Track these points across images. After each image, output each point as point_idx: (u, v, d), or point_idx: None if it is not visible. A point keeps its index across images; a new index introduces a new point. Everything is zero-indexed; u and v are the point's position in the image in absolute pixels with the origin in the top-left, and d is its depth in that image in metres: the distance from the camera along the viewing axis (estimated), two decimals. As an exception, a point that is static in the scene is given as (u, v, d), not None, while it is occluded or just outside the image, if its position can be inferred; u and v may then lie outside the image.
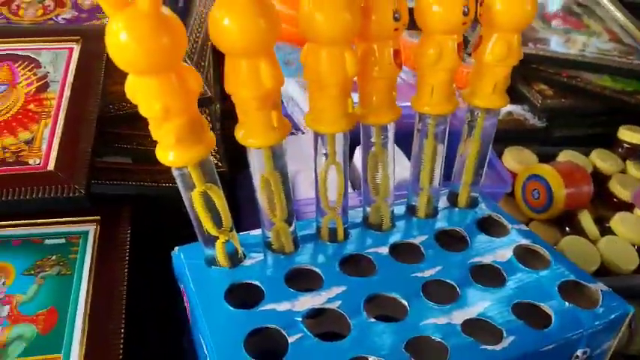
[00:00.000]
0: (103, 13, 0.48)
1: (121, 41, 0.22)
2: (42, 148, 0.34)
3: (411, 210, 0.39)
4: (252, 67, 0.26)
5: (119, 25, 0.22)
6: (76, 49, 0.40)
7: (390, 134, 0.34)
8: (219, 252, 0.32)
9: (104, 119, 0.38)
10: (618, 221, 0.54)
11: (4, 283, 0.31)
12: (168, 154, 0.27)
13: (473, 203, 0.40)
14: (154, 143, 0.40)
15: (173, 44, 0.23)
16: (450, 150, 0.37)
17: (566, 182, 0.55)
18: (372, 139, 0.34)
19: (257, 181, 0.31)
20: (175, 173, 0.28)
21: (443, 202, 0.40)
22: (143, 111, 0.25)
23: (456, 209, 0.40)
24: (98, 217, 0.35)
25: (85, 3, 0.49)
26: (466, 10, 0.30)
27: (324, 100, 0.30)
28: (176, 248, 0.34)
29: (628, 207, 0.58)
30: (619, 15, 0.71)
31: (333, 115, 0.30)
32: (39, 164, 0.33)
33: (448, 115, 0.35)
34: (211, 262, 0.33)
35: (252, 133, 0.28)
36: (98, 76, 0.38)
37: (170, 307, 0.37)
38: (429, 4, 0.30)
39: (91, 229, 0.35)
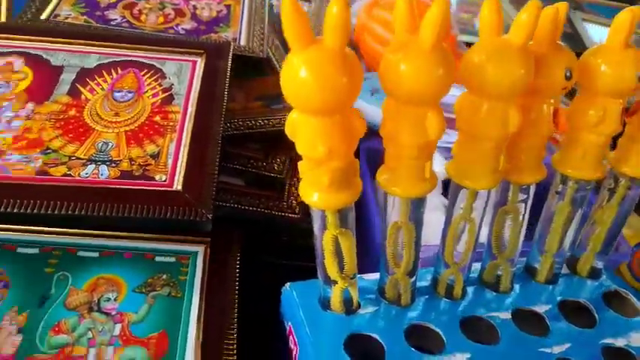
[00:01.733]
0: (222, 25, 0.48)
1: (301, 78, 0.21)
2: (167, 164, 0.33)
3: (531, 272, 0.36)
4: (419, 116, 0.24)
5: (301, 61, 0.21)
6: (200, 63, 0.40)
7: (531, 194, 0.32)
8: (335, 297, 0.30)
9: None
10: None
11: (116, 299, 0.30)
12: (313, 194, 0.25)
13: (595, 274, 0.37)
14: (269, 167, 0.39)
15: (352, 86, 0.21)
16: (535, 211, 0.34)
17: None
18: (509, 196, 0.32)
19: (388, 228, 0.29)
20: (313, 211, 0.27)
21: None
22: (302, 149, 0.24)
23: (577, 278, 0.37)
24: (208, 239, 0.34)
25: (204, 15, 0.48)
26: (641, 74, 0.27)
27: (474, 154, 0.28)
28: (287, 284, 0.33)
29: None
30: None
31: (482, 171, 0.28)
32: (165, 181, 0.32)
33: (593, 181, 0.32)
34: (325, 304, 0.31)
35: (399, 181, 0.27)
36: (222, 93, 0.37)
37: (268, 337, 0.36)
38: (598, 63, 0.28)
39: (200, 250, 0.34)
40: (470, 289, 0.35)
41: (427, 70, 0.22)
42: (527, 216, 0.33)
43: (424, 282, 0.35)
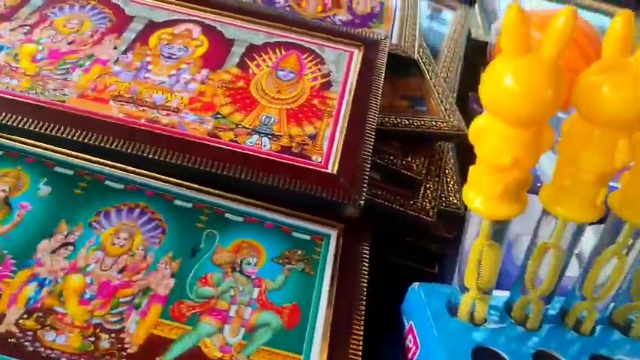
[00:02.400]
0: (375, 21, 0.49)
1: (506, 85, 0.21)
2: (323, 146, 0.34)
3: None
4: (610, 142, 0.23)
5: (513, 69, 0.21)
6: (357, 54, 0.41)
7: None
8: (464, 306, 0.30)
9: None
10: None
11: (255, 264, 0.32)
12: (476, 200, 0.26)
13: None
14: (407, 166, 0.39)
15: (557, 99, 0.21)
16: None
17: None
18: (620, 237, 0.30)
19: (535, 248, 0.29)
20: (469, 215, 0.27)
21: None
22: (484, 155, 0.24)
23: None
24: (342, 225, 0.35)
25: (359, 8, 0.50)
26: None
27: (574, 183, 0.26)
28: (416, 284, 0.33)
29: None
30: None
31: (579, 203, 0.26)
32: (320, 162, 0.34)
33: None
34: (453, 310, 0.31)
35: (566, 203, 0.26)
36: (377, 87, 0.38)
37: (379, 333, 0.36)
38: None
39: (334, 233, 0.35)
40: (598, 327, 0.33)
41: (637, 97, 0.22)
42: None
43: (552, 310, 0.34)
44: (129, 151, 0.32)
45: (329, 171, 0.33)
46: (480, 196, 0.26)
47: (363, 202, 0.31)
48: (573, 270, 0.34)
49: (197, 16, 0.43)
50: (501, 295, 0.33)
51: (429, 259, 0.40)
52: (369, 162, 0.33)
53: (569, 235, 0.28)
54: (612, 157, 0.24)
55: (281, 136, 0.35)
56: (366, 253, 0.34)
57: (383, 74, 0.39)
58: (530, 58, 0.21)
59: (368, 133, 0.34)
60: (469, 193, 0.26)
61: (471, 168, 0.25)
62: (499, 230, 0.27)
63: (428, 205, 0.37)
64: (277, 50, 0.41)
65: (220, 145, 0.33)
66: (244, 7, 0.44)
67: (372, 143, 0.34)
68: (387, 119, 0.40)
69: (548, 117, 0.22)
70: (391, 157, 0.39)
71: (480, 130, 0.24)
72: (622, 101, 0.22)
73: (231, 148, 0.33)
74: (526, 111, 0.21)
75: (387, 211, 0.37)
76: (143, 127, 0.34)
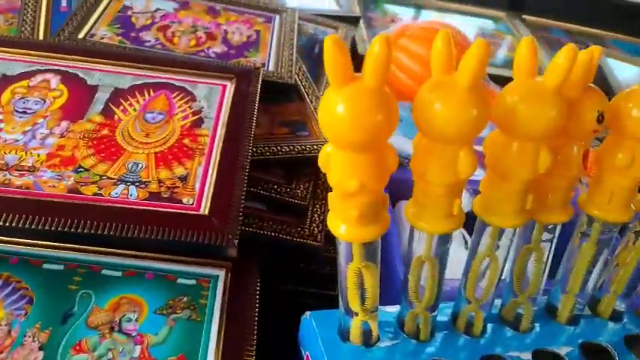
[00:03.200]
0: (251, 50, 0.49)
1: (338, 114, 0.21)
2: (195, 187, 0.33)
3: (551, 311, 0.36)
4: (451, 155, 0.24)
5: (340, 98, 0.21)
6: (229, 87, 0.41)
7: (556, 234, 0.32)
8: (355, 329, 0.30)
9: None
10: None
11: (137, 319, 0.31)
12: (340, 226, 0.26)
13: (617, 316, 0.37)
14: (292, 193, 0.39)
15: (389, 123, 0.22)
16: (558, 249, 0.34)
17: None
18: (533, 235, 0.32)
19: (411, 262, 0.29)
20: (340, 243, 0.27)
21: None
22: (334, 182, 0.24)
23: (598, 319, 0.37)
24: (229, 263, 0.34)
25: (234, 39, 0.49)
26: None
27: (501, 192, 0.28)
28: (307, 313, 0.33)
29: None
30: None
31: (509, 209, 0.28)
32: (192, 204, 0.32)
33: (619, 224, 0.32)
34: (344, 335, 0.31)
35: (426, 217, 0.27)
36: (250, 118, 0.37)
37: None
38: (629, 107, 0.28)
39: (221, 274, 0.34)
40: (489, 326, 0.34)
41: (463, 111, 0.23)
42: (551, 256, 0.32)
43: (444, 316, 0.34)
44: (-24, 221, 0.29)
45: (201, 212, 0.32)
46: (342, 222, 0.26)
47: (237, 240, 0.30)
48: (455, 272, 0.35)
49: (57, 65, 0.41)
50: (393, 310, 0.34)
51: (328, 282, 0.40)
52: (242, 197, 0.32)
53: (437, 245, 0.28)
54: (456, 169, 0.24)
55: (149, 182, 0.33)
56: (255, 290, 0.33)
57: (256, 104, 0.39)
58: (354, 86, 0.21)
59: (241, 166, 0.34)
60: (333, 220, 0.26)
61: (329, 195, 0.25)
62: (370, 251, 0.27)
63: (316, 229, 0.37)
64: (145, 92, 0.40)
65: (81, 202, 0.31)
66: (109, 50, 0.43)
67: (245, 177, 0.34)
68: (267, 148, 0.39)
69: (385, 139, 0.23)
70: (275, 186, 0.39)
71: (327, 157, 0.24)
72: (451, 117, 0.23)
73: (93, 202, 0.31)
74: (357, 137, 0.21)
75: (275, 241, 0.37)
76: (-7, 194, 0.31)
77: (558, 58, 0.25)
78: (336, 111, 0.21)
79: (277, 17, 0.55)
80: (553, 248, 0.32)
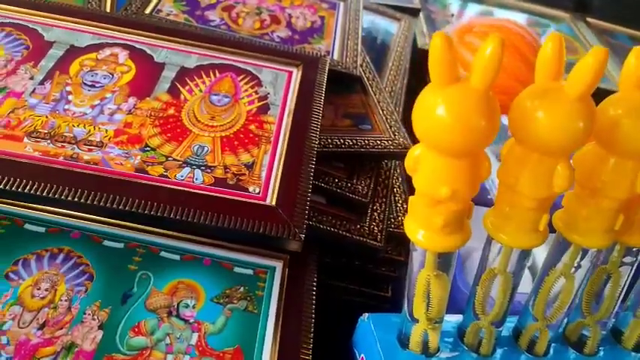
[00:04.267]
0: (315, 36, 0.48)
1: (438, 116, 0.20)
2: (261, 176, 0.33)
3: (617, 335, 0.34)
4: (548, 168, 0.23)
5: (443, 98, 0.20)
6: (296, 74, 0.40)
7: (639, 257, 0.30)
8: (415, 336, 0.29)
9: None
10: None
11: (194, 306, 0.30)
12: (419, 232, 0.24)
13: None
14: (353, 189, 0.38)
15: (492, 129, 0.20)
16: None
17: None
18: (613, 255, 0.30)
19: (483, 273, 0.28)
20: (413, 248, 0.26)
21: None
22: (422, 187, 0.23)
23: (666, 348, 0.35)
24: (286, 256, 0.33)
25: (298, 24, 0.48)
26: None
27: (591, 211, 0.26)
28: (365, 315, 0.32)
29: None
30: None
31: (597, 229, 0.26)
32: (258, 194, 0.32)
33: None
34: (404, 342, 0.30)
35: (509, 230, 0.25)
36: (318, 108, 0.36)
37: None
38: None
39: (278, 265, 0.33)
40: (552, 345, 0.33)
41: (570, 122, 0.21)
42: (629, 280, 0.31)
43: (504, 331, 0.33)
44: (45, 194, 0.29)
45: (267, 203, 0.31)
46: (422, 228, 0.24)
47: (303, 235, 0.29)
48: (526, 283, 0.33)
49: (125, 39, 0.40)
50: (454, 320, 0.32)
51: (381, 282, 0.39)
52: (309, 190, 0.31)
53: (515, 260, 0.27)
54: (551, 182, 0.23)
55: (215, 167, 0.33)
56: (313, 284, 0.32)
57: (323, 94, 0.38)
58: (460, 87, 0.20)
59: (308, 158, 0.33)
60: (411, 225, 0.25)
61: (411, 199, 0.24)
62: (445, 260, 0.26)
63: (376, 228, 0.36)
64: (211, 73, 0.39)
65: (148, 182, 0.31)
66: (176, 28, 0.42)
67: (312, 169, 0.32)
68: (329, 140, 0.38)
69: (485, 146, 0.21)
70: (336, 180, 0.38)
71: (416, 160, 0.22)
72: (556, 127, 0.21)
73: (159, 184, 0.31)
74: (459, 142, 0.20)
75: (333, 236, 0.36)
76: (61, 166, 0.31)
77: (582, 67, 0.22)
78: (437, 112, 0.20)
79: (342, 4, 0.53)
80: (633, 272, 0.30)
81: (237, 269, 0.32)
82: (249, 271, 0.32)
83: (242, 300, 0.31)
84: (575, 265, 0.28)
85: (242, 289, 0.31)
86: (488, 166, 0.22)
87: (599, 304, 0.32)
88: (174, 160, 0.33)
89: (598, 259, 0.30)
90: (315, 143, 0.34)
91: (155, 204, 0.29)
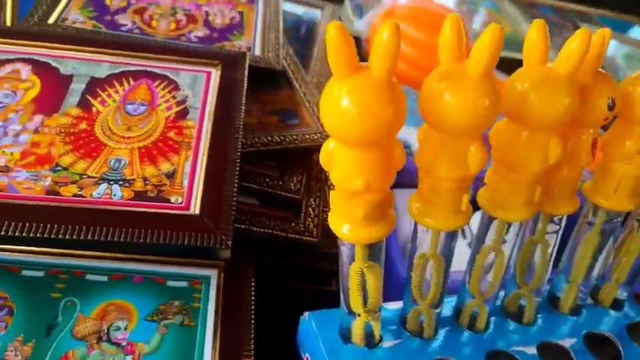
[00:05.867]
0: (235, 33, 0.47)
1: (343, 108, 0.19)
2: (183, 184, 0.31)
3: (553, 301, 0.35)
4: (461, 149, 0.23)
5: (345, 89, 0.19)
6: (215, 74, 0.38)
7: (562, 225, 0.30)
8: (357, 329, 0.29)
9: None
10: None
11: (126, 327, 0.29)
12: (343, 226, 0.24)
13: (618, 305, 0.36)
14: (285, 187, 0.37)
15: (398, 117, 0.20)
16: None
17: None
18: (538, 226, 0.31)
19: (415, 259, 0.28)
20: (341, 242, 0.26)
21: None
22: (338, 181, 0.22)
23: (600, 308, 0.36)
24: (221, 263, 0.32)
25: (217, 22, 0.47)
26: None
27: (510, 185, 0.26)
28: (306, 314, 0.31)
29: None
30: None
31: (517, 202, 0.27)
32: (181, 204, 0.30)
33: (624, 213, 0.31)
34: (346, 336, 0.30)
35: (433, 213, 0.25)
36: (239, 107, 0.35)
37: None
38: (638, 93, 0.27)
39: (213, 274, 0.32)
40: (492, 320, 0.33)
41: (475, 102, 0.21)
42: (556, 247, 0.31)
43: (446, 311, 0.33)
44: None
45: (191, 212, 0.30)
46: (345, 222, 0.24)
47: (231, 242, 0.29)
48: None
49: (27, 53, 0.37)
50: (395, 307, 0.32)
51: (325, 277, 0.39)
52: (235, 194, 0.30)
53: (443, 242, 0.27)
54: (466, 163, 0.23)
55: (134, 180, 0.31)
56: (250, 290, 0.32)
57: (244, 92, 0.37)
58: (361, 77, 0.19)
59: (232, 160, 0.32)
60: (335, 220, 0.24)
61: (332, 194, 0.24)
62: (374, 251, 0.26)
63: (311, 224, 0.36)
64: (124, 81, 0.37)
65: (61, 204, 0.29)
66: (82, 36, 0.40)
67: (237, 171, 0.32)
68: (257, 139, 0.37)
69: (393, 134, 0.21)
70: (267, 180, 0.37)
71: (330, 155, 0.22)
72: (461, 108, 0.21)
73: (74, 205, 0.29)
74: (364, 132, 0.20)
75: (268, 237, 0.35)
76: (-38, 197, 0.29)
77: (572, 42, 0.23)
78: (342, 104, 0.19)
79: (261, -3, 0.52)
80: (559, 240, 0.31)
81: (170, 283, 0.31)
82: (184, 284, 0.31)
83: (177, 314, 0.30)
84: (503, 239, 0.29)
85: (177, 302, 0.30)
86: (401, 154, 0.22)
87: (531, 273, 0.33)
88: (90, 177, 0.31)
89: (524, 231, 0.31)
90: (238, 144, 0.33)
91: (70, 227, 0.27)
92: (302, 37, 0.54)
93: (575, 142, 0.27)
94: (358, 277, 0.26)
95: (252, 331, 0.29)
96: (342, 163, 0.22)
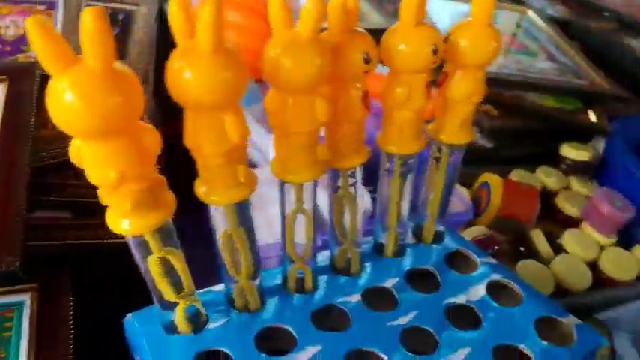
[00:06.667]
0: (29, 45, 0.44)
1: (66, 103, 0.19)
2: (-35, 207, 0.29)
3: (379, 248, 0.38)
4: (216, 122, 0.23)
5: (64, 85, 0.19)
6: (2, 88, 0.36)
7: (358, 176, 0.32)
8: (179, 318, 0.29)
9: (33, 168, 0.33)
10: (569, 239, 0.55)
11: None
12: (121, 222, 0.24)
13: (439, 238, 0.39)
14: (93, 193, 0.36)
15: (128, 103, 0.20)
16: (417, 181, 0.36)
17: (508, 190, 0.56)
18: (339, 183, 0.32)
19: (219, 238, 0.28)
20: (130, 240, 0.25)
21: (409, 238, 0.39)
22: (93, 179, 0.22)
23: (422, 245, 0.39)
24: (35, 285, 0.30)
25: (9, 34, 0.44)
26: (435, 49, 0.29)
27: (291, 149, 0.28)
28: (129, 315, 0.31)
29: (575, 223, 0.59)
30: (553, 34, 0.74)
31: (302, 165, 0.28)
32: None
33: (415, 154, 0.34)
34: (171, 328, 0.30)
35: (216, 191, 0.26)
36: (28, 120, 0.33)
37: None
38: (395, 43, 0.29)
39: (27, 298, 0.30)
40: (323, 278, 0.35)
41: (210, 76, 0.21)
42: (360, 198, 0.33)
43: (277, 281, 0.34)
44: None
45: (-27, 238, 0.28)
46: (122, 217, 0.24)
47: (20, 263, 0.27)
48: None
49: None
50: (218, 289, 0.33)
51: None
52: (23, 212, 0.29)
53: (237, 216, 0.27)
54: (226, 135, 0.24)
55: None
56: (69, 307, 0.30)
57: (34, 103, 0.35)
58: (77, 69, 0.19)
59: (19, 177, 0.30)
60: (113, 218, 0.24)
61: (98, 192, 0.23)
62: (164, 236, 0.26)
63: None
64: None
65: None
66: None
67: (26, 187, 0.30)
68: (58, 150, 0.35)
69: (133, 120, 0.21)
70: (74, 190, 0.35)
71: (78, 152, 0.21)
72: (201, 85, 0.21)
73: None
74: (92, 124, 0.19)
75: (84, 248, 0.34)
76: None
77: (307, 5, 0.24)
78: (64, 100, 0.19)
79: (61, 0, 0.49)
80: (359, 190, 0.33)
81: (-25, 317, 0.29)
82: (-7, 315, 0.29)
83: (-14, 350, 0.28)
84: (303, 201, 0.30)
85: (-14, 336, 0.29)
86: (153, 138, 0.22)
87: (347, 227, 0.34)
88: None
89: (329, 189, 0.32)
90: (27, 157, 0.31)
91: None
92: (121, 27, 0.52)
93: (345, 98, 0.29)
94: (160, 265, 0.26)
95: (72, 347, 0.28)
96: (90, 158, 0.21)
